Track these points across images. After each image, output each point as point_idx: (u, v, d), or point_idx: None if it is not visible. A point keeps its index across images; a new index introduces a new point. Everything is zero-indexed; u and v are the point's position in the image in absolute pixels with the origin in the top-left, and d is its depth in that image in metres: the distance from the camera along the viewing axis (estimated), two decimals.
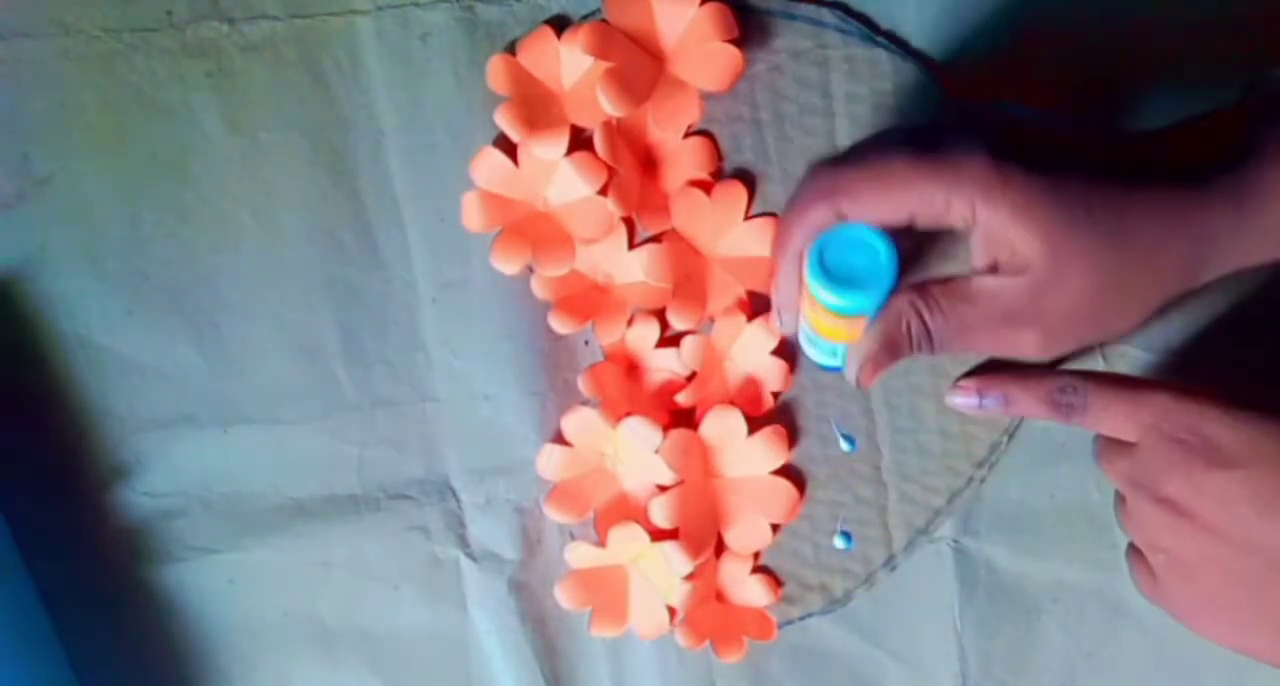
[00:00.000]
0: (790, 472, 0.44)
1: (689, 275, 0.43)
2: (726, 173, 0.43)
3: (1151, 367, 0.42)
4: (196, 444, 0.44)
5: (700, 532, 0.43)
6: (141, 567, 0.44)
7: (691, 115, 0.42)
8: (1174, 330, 0.42)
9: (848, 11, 0.41)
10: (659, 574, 0.43)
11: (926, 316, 0.36)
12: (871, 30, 0.41)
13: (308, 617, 0.45)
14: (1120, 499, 0.38)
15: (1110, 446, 0.37)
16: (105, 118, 0.42)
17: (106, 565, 0.44)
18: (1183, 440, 0.34)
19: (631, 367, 0.44)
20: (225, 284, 0.43)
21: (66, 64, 0.41)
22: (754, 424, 0.43)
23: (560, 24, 0.42)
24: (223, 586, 0.44)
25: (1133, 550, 0.38)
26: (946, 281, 0.36)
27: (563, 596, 0.43)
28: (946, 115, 0.41)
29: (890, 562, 0.44)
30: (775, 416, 0.43)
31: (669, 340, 0.43)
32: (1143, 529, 0.36)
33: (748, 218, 0.43)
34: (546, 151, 0.41)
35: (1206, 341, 0.42)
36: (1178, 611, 0.37)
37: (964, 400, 0.41)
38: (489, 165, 0.42)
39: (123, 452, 0.44)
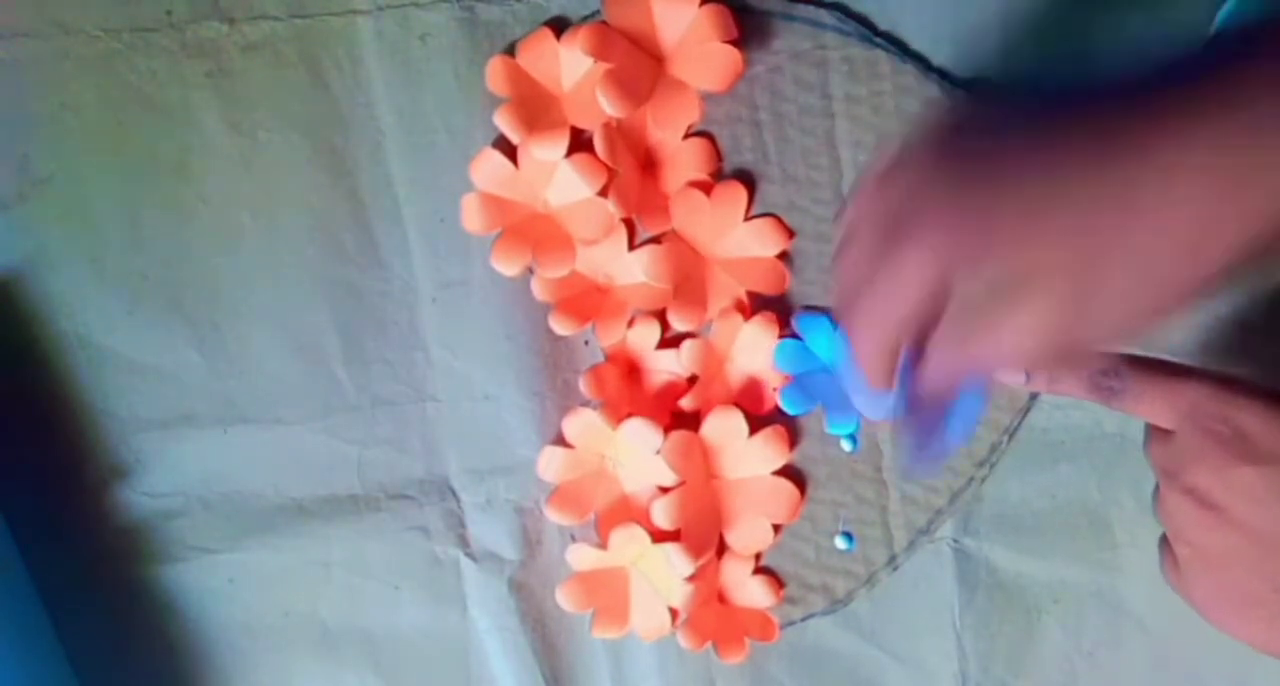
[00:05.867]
0: (791, 473, 0.44)
1: (689, 276, 0.43)
2: (726, 173, 0.43)
3: None
4: (196, 444, 0.44)
5: (702, 534, 0.43)
6: (141, 567, 0.44)
7: (691, 116, 0.42)
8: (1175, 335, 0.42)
9: (846, 12, 0.41)
10: (660, 575, 0.43)
11: None
12: (870, 31, 0.41)
13: (308, 617, 0.45)
14: (1156, 486, 0.37)
15: (1154, 433, 0.36)
16: (105, 118, 0.42)
17: (106, 565, 0.44)
18: (1215, 431, 0.34)
19: (632, 369, 0.44)
20: (225, 284, 0.43)
21: (66, 64, 0.41)
22: (755, 424, 0.43)
23: (560, 25, 0.42)
24: (223, 586, 0.44)
25: (1163, 538, 0.38)
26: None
27: (564, 599, 0.43)
28: None
29: (892, 563, 0.44)
30: (776, 416, 0.43)
31: (670, 341, 0.43)
32: (1171, 518, 0.36)
33: (747, 218, 0.43)
34: (546, 153, 0.41)
35: (1210, 344, 0.42)
36: (1198, 603, 0.36)
37: (1012, 376, 0.39)
38: (489, 167, 0.42)
39: (123, 452, 0.44)
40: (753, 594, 0.44)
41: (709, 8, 0.41)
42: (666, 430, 0.42)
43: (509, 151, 0.42)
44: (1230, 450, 0.34)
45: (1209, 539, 0.35)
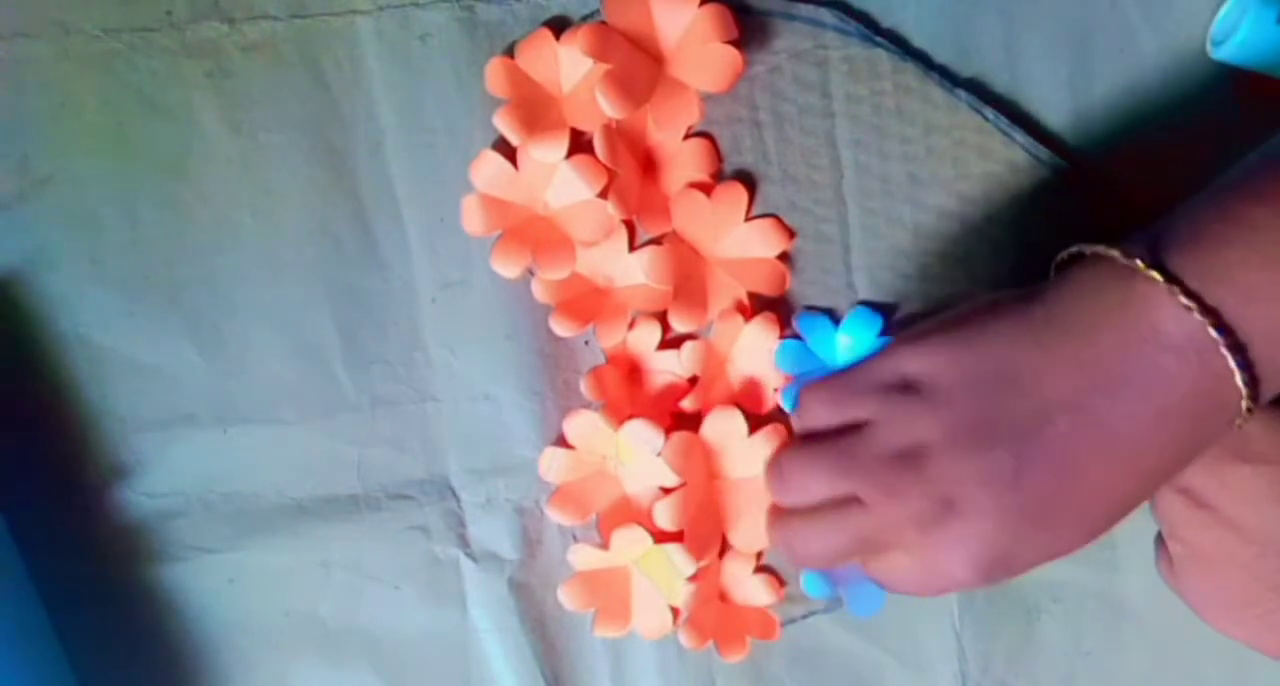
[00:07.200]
0: None
1: (689, 277, 0.43)
2: (726, 174, 0.43)
3: None
4: (196, 444, 0.43)
5: (704, 534, 0.43)
6: (141, 567, 0.44)
7: (691, 117, 0.42)
8: None
9: (847, 12, 0.41)
10: (662, 574, 0.43)
11: None
12: (871, 30, 0.41)
13: (308, 617, 0.45)
14: None
15: None
16: (105, 118, 0.42)
17: (106, 565, 0.44)
18: None
19: (633, 370, 0.44)
20: (225, 284, 0.43)
21: (66, 64, 0.41)
22: (756, 422, 0.43)
23: (560, 25, 0.41)
24: (223, 586, 0.44)
25: (1159, 534, 0.38)
26: None
27: (566, 598, 0.43)
28: None
29: None
30: (776, 415, 0.43)
31: (671, 342, 0.43)
32: (1166, 516, 0.36)
33: (748, 219, 0.43)
34: (546, 154, 0.41)
35: None
36: (1191, 600, 0.37)
37: None
38: (488, 169, 0.42)
39: (123, 452, 0.44)
40: (754, 592, 0.44)
41: (709, 8, 0.41)
42: (668, 431, 0.42)
43: (509, 153, 0.42)
44: (1226, 450, 0.34)
45: (1203, 537, 0.35)
